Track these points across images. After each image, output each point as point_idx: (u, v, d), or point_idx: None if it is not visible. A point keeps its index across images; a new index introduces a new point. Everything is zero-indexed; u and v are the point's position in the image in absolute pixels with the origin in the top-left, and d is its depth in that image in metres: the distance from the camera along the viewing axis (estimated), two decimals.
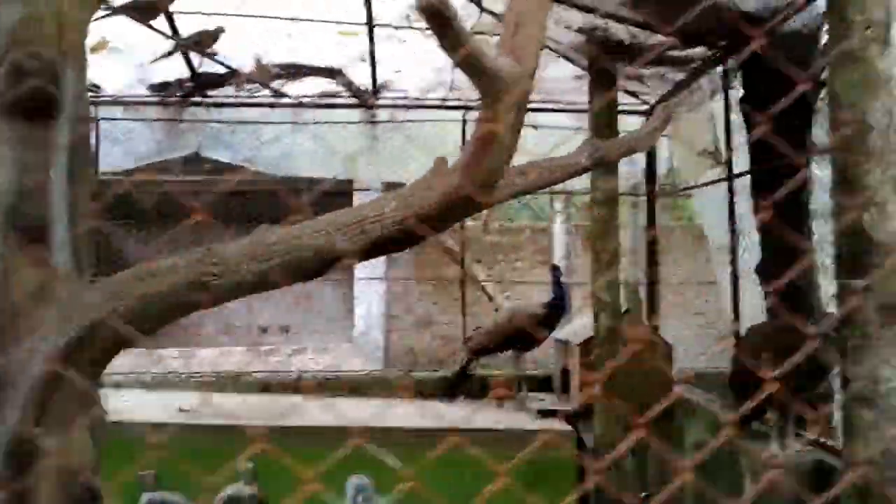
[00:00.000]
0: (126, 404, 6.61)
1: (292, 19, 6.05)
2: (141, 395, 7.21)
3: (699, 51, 5.67)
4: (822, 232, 5.20)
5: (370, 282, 12.64)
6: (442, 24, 2.02)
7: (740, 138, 5.70)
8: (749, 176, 5.40)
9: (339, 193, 11.88)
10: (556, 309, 6.94)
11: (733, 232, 5.58)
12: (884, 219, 2.57)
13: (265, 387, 7.68)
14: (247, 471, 5.86)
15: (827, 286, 5.43)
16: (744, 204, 5.64)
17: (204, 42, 5.64)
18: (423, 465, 5.91)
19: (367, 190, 12.10)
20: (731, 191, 5.53)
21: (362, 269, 11.87)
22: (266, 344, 15.98)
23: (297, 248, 2.72)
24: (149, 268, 3.10)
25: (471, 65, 2.16)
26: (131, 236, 12.11)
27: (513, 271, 14.04)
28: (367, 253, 2.73)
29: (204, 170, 7.65)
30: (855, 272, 2.56)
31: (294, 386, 7.61)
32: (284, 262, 2.76)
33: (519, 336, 6.66)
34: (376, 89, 7.36)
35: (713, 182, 5.96)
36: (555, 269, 7.29)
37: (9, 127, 3.23)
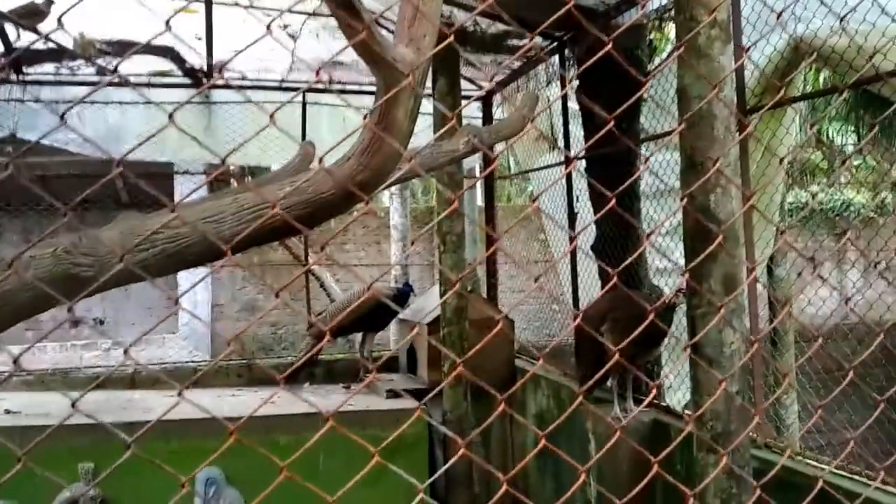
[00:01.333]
0: None
1: None
2: None
3: (537, 40, 5.97)
4: (649, 212, 5.68)
5: (194, 270, 12.13)
6: (348, 11, 2.06)
7: (576, 126, 6.08)
8: (584, 160, 5.77)
9: (157, 175, 11.33)
10: (407, 290, 7.13)
11: (571, 212, 5.95)
12: (726, 200, 2.89)
13: (97, 382, 7.25)
14: (86, 471, 5.55)
15: (652, 261, 5.95)
16: (579, 185, 6.02)
17: (31, 15, 5.18)
18: (277, 450, 5.86)
19: (187, 173, 11.64)
20: (569, 175, 5.89)
21: None
22: (80, 339, 14.97)
23: (182, 237, 2.65)
24: (6, 258, 2.88)
25: (370, 52, 2.21)
26: None
27: (342, 254, 14.06)
28: (257, 240, 2.70)
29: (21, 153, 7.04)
30: (701, 248, 2.85)
31: (129, 380, 7.24)
32: (167, 251, 2.67)
33: (372, 316, 6.73)
34: (211, 70, 7.11)
35: (551, 166, 6.31)
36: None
37: None
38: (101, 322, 17.12)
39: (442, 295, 6.43)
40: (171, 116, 1.53)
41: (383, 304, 6.81)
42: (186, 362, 8.89)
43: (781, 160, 5.38)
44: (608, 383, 4.99)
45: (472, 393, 6.46)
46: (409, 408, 6.33)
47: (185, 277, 13.46)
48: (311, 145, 3.36)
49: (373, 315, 6.80)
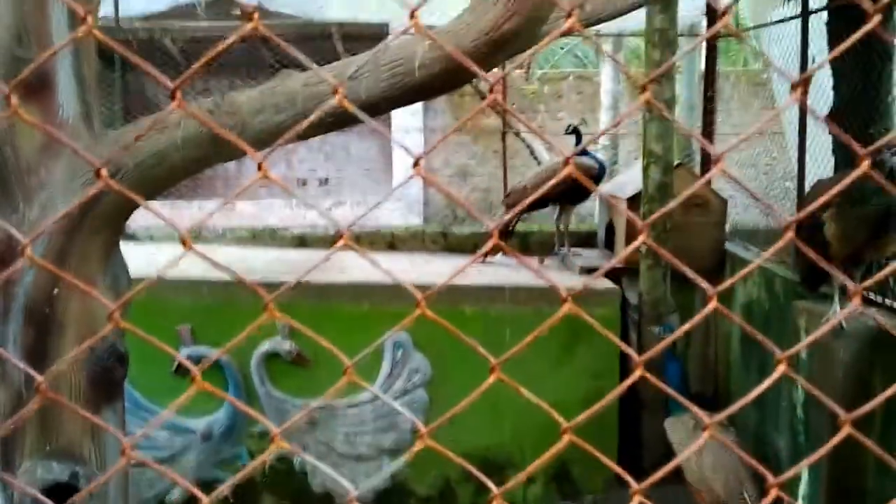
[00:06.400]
0: (160, 259, 6.55)
1: None
2: (176, 249, 7.12)
3: None
4: None
5: (408, 132, 12.23)
6: None
7: None
8: (826, 13, 4.83)
9: (373, 37, 11.32)
10: (603, 166, 6.62)
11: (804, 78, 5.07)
12: None
13: (302, 241, 7.56)
14: (284, 326, 5.82)
15: None
16: (816, 46, 5.09)
17: None
18: (463, 321, 5.69)
19: (405, 34, 11.50)
20: (805, 30, 4.97)
21: (399, 119, 11.46)
22: (306, 197, 15.88)
23: (319, 96, 2.41)
24: (159, 119, 2.83)
25: None
26: (160, 85, 11.79)
27: (555, 122, 13.52)
28: (398, 100, 2.41)
29: (230, 14, 7.20)
30: None
31: (331, 241, 7.47)
32: (306, 112, 2.46)
33: (570, 189, 6.26)
34: None
35: (785, 20, 5.38)
36: (575, 131, 6.86)
37: None
38: (326, 181, 18.07)
39: (645, 168, 5.86)
40: None
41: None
42: (395, 226, 9.04)
43: None
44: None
45: (673, 274, 5.97)
46: (601, 287, 5.96)
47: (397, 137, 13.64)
48: None
49: (570, 189, 6.36)
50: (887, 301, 4.23)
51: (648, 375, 1.11)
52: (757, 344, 5.33)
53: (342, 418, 5.93)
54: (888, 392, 1.27)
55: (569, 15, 0.89)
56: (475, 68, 1.04)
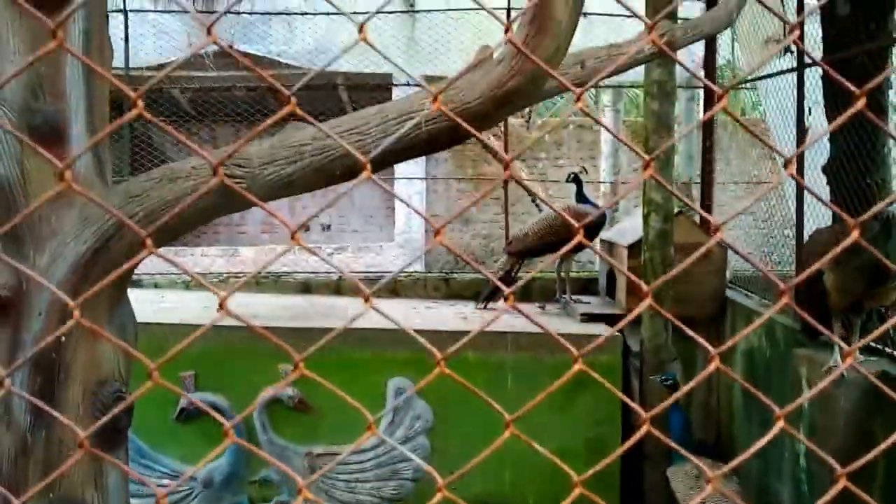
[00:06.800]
0: (165, 306, 6.58)
1: None
2: (181, 295, 7.17)
3: None
4: None
5: (411, 180, 12.37)
6: None
7: (812, 24, 5.20)
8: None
9: (377, 88, 11.52)
10: (603, 213, 6.70)
11: (801, 128, 5.16)
12: None
13: (305, 287, 7.60)
14: (286, 372, 5.83)
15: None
16: (813, 98, 5.19)
17: None
18: (467, 367, 5.70)
19: (407, 85, 11.72)
20: (801, 83, 5.08)
21: (402, 168, 11.59)
22: (308, 243, 15.97)
23: (327, 149, 2.48)
24: (170, 170, 2.89)
25: None
26: (168, 134, 11.98)
27: (556, 170, 13.65)
28: (406, 153, 2.48)
29: (237, 64, 7.35)
30: None
31: (335, 286, 7.51)
32: (314, 164, 2.52)
33: (571, 237, 6.35)
34: None
35: (781, 73, 5.50)
36: (576, 179, 6.95)
37: (17, 16, 2.98)
38: (328, 227, 18.17)
39: (645, 217, 5.92)
40: (360, 28, 1.27)
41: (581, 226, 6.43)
42: (396, 272, 9.10)
43: None
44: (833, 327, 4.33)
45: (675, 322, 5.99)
46: (603, 334, 5.98)
47: (401, 188, 13.77)
48: (487, 48, 3.04)
49: (571, 236, 6.43)
50: (887, 349, 4.25)
51: (655, 431, 1.15)
52: (762, 393, 5.33)
53: (343, 465, 5.90)
54: (889, 441, 1.29)
55: (577, 99, 0.95)
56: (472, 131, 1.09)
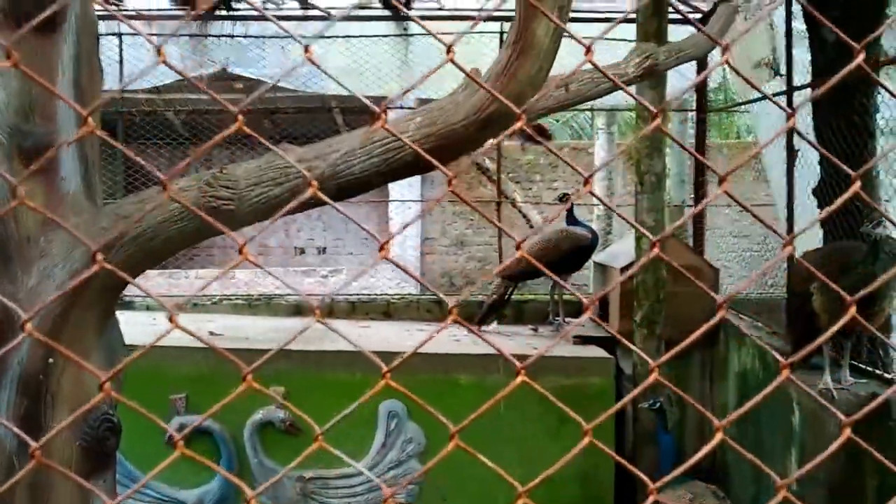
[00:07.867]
0: (157, 328, 6.56)
1: None
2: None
3: None
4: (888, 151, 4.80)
5: (405, 203, 12.42)
6: None
7: (801, 49, 5.25)
8: (810, 90, 4.98)
9: (370, 111, 11.54)
10: (596, 236, 6.72)
11: (791, 151, 5.20)
12: None
13: (298, 310, 7.58)
14: (278, 395, 5.80)
15: (886, 209, 5.07)
16: (803, 121, 5.24)
17: None
18: (458, 390, 5.69)
19: (401, 108, 11.79)
20: (790, 106, 5.12)
21: (397, 190, 11.64)
22: (303, 265, 15.98)
23: (312, 171, 2.49)
24: (159, 192, 2.90)
25: None
26: (162, 157, 12.01)
27: (551, 192, 13.69)
28: (392, 175, 2.49)
29: (232, 87, 7.39)
30: None
31: (328, 308, 7.50)
32: (301, 186, 2.53)
33: (563, 260, 6.35)
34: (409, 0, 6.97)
35: (764, 97, 5.54)
36: (565, 199, 6.97)
37: (8, 38, 2.99)
38: (324, 250, 18.18)
39: (638, 239, 5.94)
40: (306, 49, 1.30)
41: (575, 249, 6.44)
42: (391, 295, 9.09)
43: None
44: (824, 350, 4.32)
45: (667, 345, 5.99)
46: (595, 356, 5.98)
47: (395, 210, 13.81)
48: (476, 71, 3.07)
49: (564, 258, 6.44)
50: (877, 371, 4.25)
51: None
52: (752, 416, 5.31)
53: (334, 490, 5.86)
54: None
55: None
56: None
